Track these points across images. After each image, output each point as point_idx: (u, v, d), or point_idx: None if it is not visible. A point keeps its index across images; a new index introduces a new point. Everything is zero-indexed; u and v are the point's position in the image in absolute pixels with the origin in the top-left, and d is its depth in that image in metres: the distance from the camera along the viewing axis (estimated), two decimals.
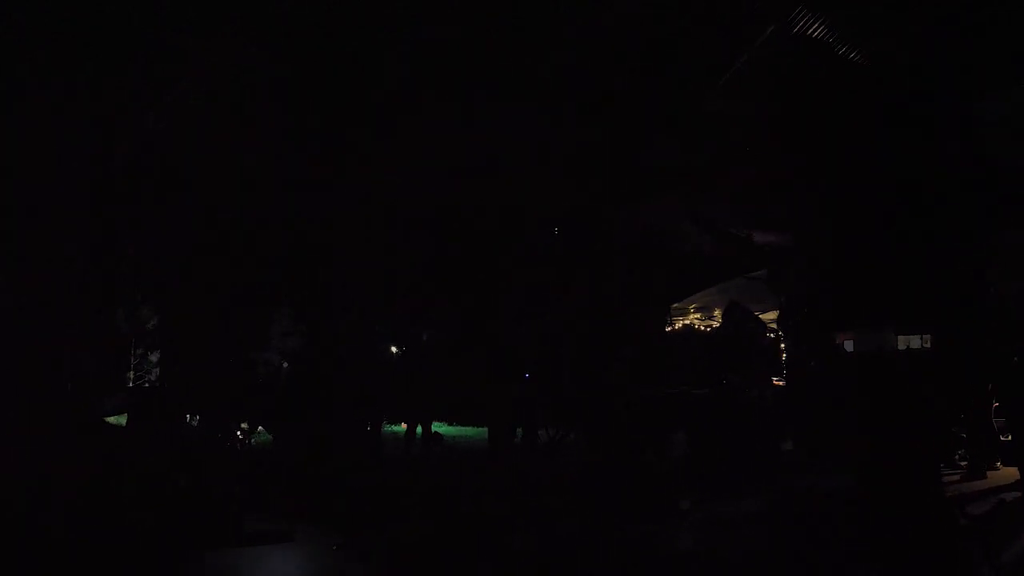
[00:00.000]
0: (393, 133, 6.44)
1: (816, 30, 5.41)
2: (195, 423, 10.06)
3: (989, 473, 7.87)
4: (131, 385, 13.57)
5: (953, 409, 7.72)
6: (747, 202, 8.56)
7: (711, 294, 14.00)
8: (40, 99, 3.84)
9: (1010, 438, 7.68)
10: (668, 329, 14.30)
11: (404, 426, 11.83)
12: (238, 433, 8.64)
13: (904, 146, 3.24)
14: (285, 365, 12.34)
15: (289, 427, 9.86)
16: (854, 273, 3.58)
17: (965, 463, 8.22)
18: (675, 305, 14.61)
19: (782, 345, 10.05)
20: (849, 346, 7.29)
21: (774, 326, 10.41)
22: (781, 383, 9.95)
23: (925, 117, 3.39)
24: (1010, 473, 7.51)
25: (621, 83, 6.35)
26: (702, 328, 15.87)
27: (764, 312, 10.91)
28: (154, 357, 14.22)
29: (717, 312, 15.33)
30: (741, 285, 11.71)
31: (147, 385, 13.93)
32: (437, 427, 12.55)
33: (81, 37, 3.92)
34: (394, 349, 13.01)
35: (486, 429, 10.88)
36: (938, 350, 3.09)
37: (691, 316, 15.90)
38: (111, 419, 8.40)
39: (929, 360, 3.18)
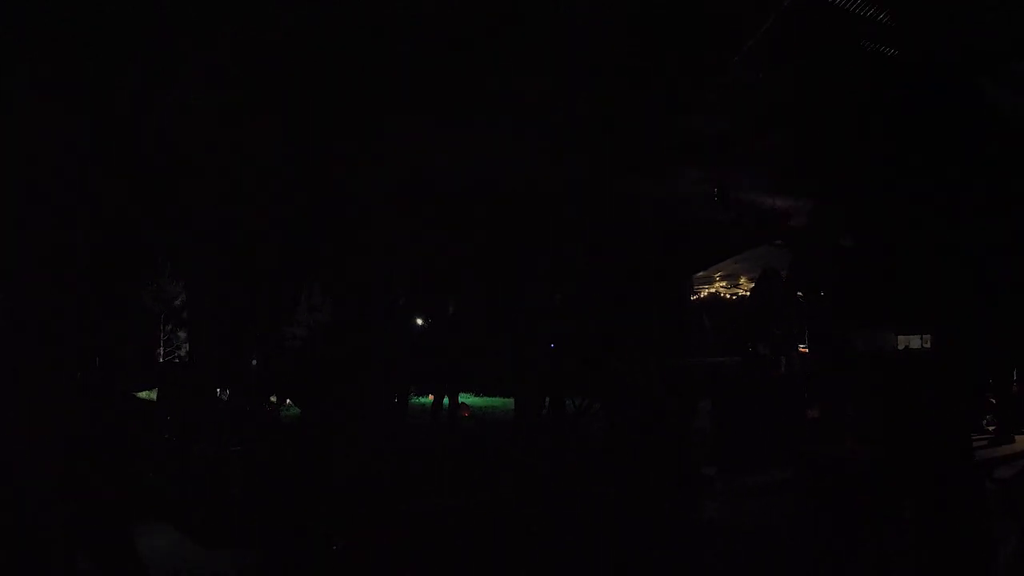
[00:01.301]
0: (412, 103, 6.43)
1: None
2: (224, 397, 10.17)
3: (1017, 437, 7.83)
4: (161, 361, 13.75)
5: (981, 380, 7.67)
6: (770, 170, 8.49)
7: (737, 262, 13.93)
8: (43, 96, 3.87)
9: None
10: (693, 298, 14.27)
11: (431, 398, 11.91)
12: (266, 407, 8.71)
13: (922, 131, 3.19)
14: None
15: (316, 400, 9.93)
16: (860, 268, 3.53)
17: (993, 428, 8.18)
18: (700, 274, 14.56)
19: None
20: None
21: (800, 294, 10.34)
22: (807, 350, 9.91)
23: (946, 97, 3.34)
24: None
25: (638, 51, 6.29)
26: (728, 297, 15.82)
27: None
28: (183, 333, 14.41)
29: (743, 280, 15.27)
30: (767, 253, 11.64)
31: (177, 360, 14.11)
32: (464, 398, 12.62)
33: (81, 36, 3.96)
34: (420, 321, 13.09)
35: (512, 400, 10.92)
36: (965, 330, 3.06)
37: (716, 285, 15.85)
38: (142, 394, 8.54)
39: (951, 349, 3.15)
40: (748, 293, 14.91)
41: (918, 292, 3.24)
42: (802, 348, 10.17)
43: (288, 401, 11.32)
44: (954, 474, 3.26)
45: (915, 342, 3.19)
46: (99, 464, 4.45)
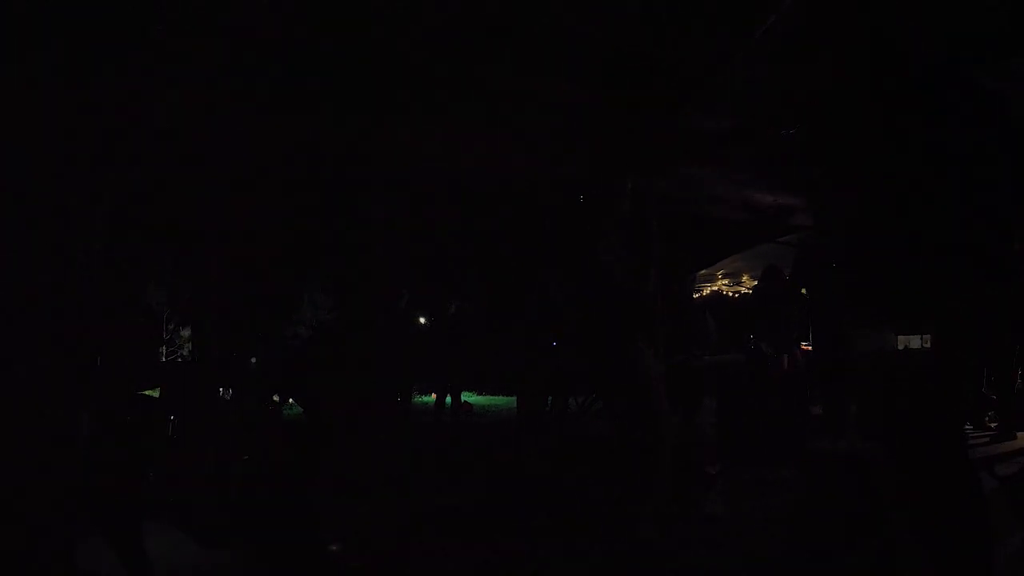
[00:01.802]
0: (413, 100, 6.43)
1: None
2: (227, 396, 10.17)
3: (1019, 434, 7.84)
4: (164, 359, 13.78)
5: (981, 373, 7.66)
6: (773, 167, 8.48)
7: (739, 260, 13.93)
8: (43, 94, 3.88)
9: None
10: (696, 296, 14.25)
11: (433, 396, 11.93)
12: (269, 407, 8.70)
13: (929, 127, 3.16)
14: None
15: (319, 399, 9.92)
16: (864, 266, 3.51)
17: (995, 425, 8.19)
18: (702, 272, 14.55)
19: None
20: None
21: (804, 291, 10.34)
22: (809, 348, 9.91)
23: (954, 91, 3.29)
24: None
25: (645, 47, 6.27)
26: (730, 294, 15.81)
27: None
28: (186, 332, 14.44)
29: (745, 278, 15.26)
30: (770, 251, 11.63)
31: (179, 359, 14.14)
32: (466, 397, 12.64)
33: (82, 35, 3.96)
34: (423, 320, 13.11)
35: (515, 398, 10.93)
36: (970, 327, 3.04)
37: (719, 283, 15.83)
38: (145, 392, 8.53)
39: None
40: (751, 291, 14.90)
41: (919, 291, 3.22)
42: (805, 346, 10.17)
43: (291, 400, 11.31)
44: (951, 471, 3.24)
45: (915, 342, 3.17)
46: (105, 464, 4.46)
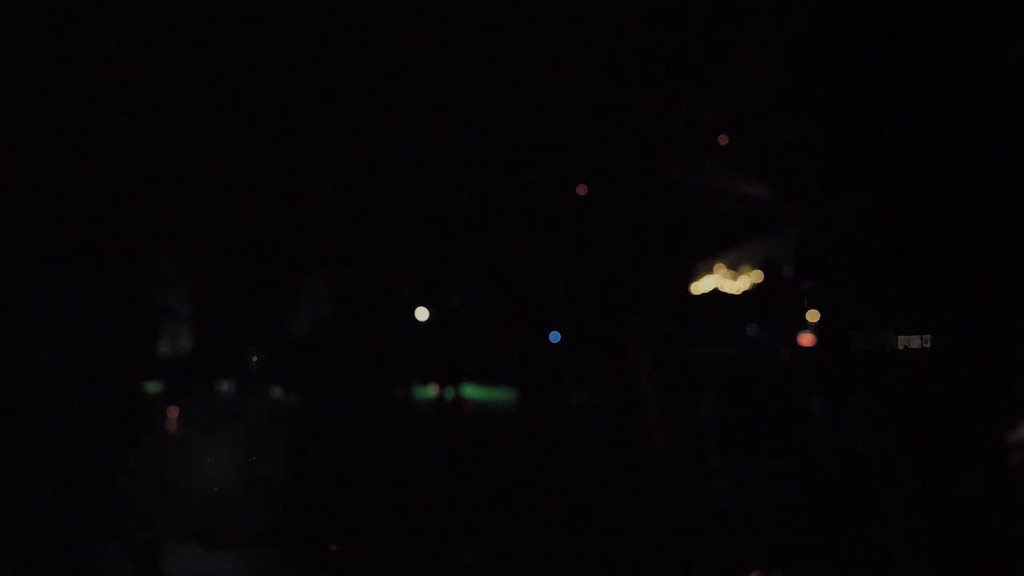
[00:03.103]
0: (413, 92, 6.43)
1: None
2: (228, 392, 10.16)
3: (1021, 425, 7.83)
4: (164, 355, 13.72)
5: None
6: (772, 159, 8.47)
7: (738, 252, 13.88)
8: (43, 92, 3.87)
9: None
10: (696, 289, 14.20)
11: (434, 390, 11.90)
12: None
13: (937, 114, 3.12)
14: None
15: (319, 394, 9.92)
16: (860, 263, 3.49)
17: None
18: (702, 264, 14.48)
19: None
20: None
21: (805, 284, 10.32)
22: (811, 340, 9.90)
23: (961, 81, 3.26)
24: None
25: (642, 38, 6.27)
26: (731, 287, 15.74)
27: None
28: (186, 326, 14.36)
29: (746, 270, 15.21)
30: (771, 243, 11.60)
31: (180, 355, 14.08)
32: (467, 390, 12.60)
33: (81, 33, 3.96)
34: (423, 312, 13.06)
35: (516, 392, 10.91)
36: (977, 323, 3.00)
37: (719, 275, 15.77)
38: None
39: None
40: (751, 283, 14.86)
41: (920, 286, 3.22)
42: (807, 338, 10.16)
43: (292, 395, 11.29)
44: (977, 464, 3.24)
45: (915, 342, 3.15)
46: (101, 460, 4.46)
